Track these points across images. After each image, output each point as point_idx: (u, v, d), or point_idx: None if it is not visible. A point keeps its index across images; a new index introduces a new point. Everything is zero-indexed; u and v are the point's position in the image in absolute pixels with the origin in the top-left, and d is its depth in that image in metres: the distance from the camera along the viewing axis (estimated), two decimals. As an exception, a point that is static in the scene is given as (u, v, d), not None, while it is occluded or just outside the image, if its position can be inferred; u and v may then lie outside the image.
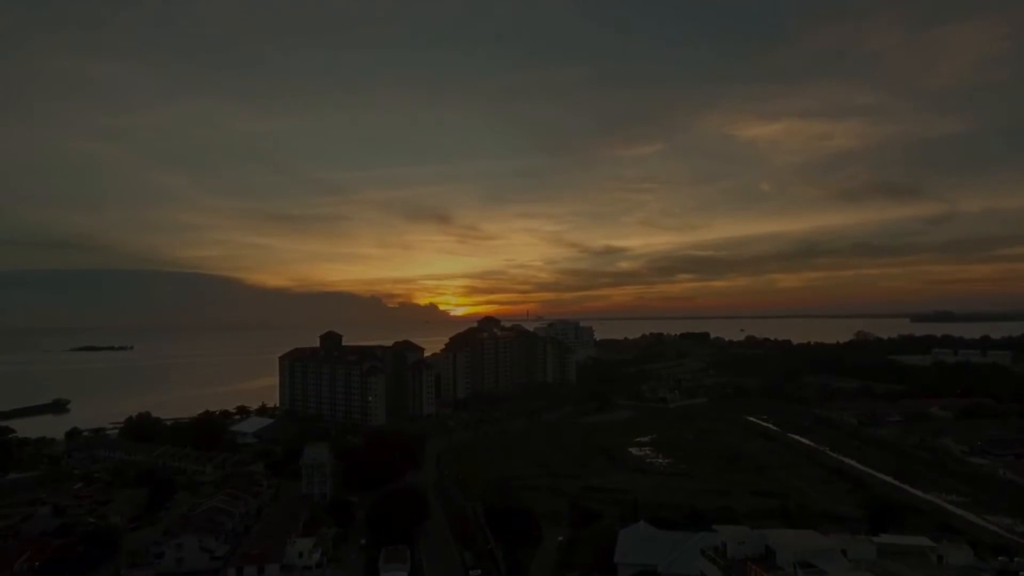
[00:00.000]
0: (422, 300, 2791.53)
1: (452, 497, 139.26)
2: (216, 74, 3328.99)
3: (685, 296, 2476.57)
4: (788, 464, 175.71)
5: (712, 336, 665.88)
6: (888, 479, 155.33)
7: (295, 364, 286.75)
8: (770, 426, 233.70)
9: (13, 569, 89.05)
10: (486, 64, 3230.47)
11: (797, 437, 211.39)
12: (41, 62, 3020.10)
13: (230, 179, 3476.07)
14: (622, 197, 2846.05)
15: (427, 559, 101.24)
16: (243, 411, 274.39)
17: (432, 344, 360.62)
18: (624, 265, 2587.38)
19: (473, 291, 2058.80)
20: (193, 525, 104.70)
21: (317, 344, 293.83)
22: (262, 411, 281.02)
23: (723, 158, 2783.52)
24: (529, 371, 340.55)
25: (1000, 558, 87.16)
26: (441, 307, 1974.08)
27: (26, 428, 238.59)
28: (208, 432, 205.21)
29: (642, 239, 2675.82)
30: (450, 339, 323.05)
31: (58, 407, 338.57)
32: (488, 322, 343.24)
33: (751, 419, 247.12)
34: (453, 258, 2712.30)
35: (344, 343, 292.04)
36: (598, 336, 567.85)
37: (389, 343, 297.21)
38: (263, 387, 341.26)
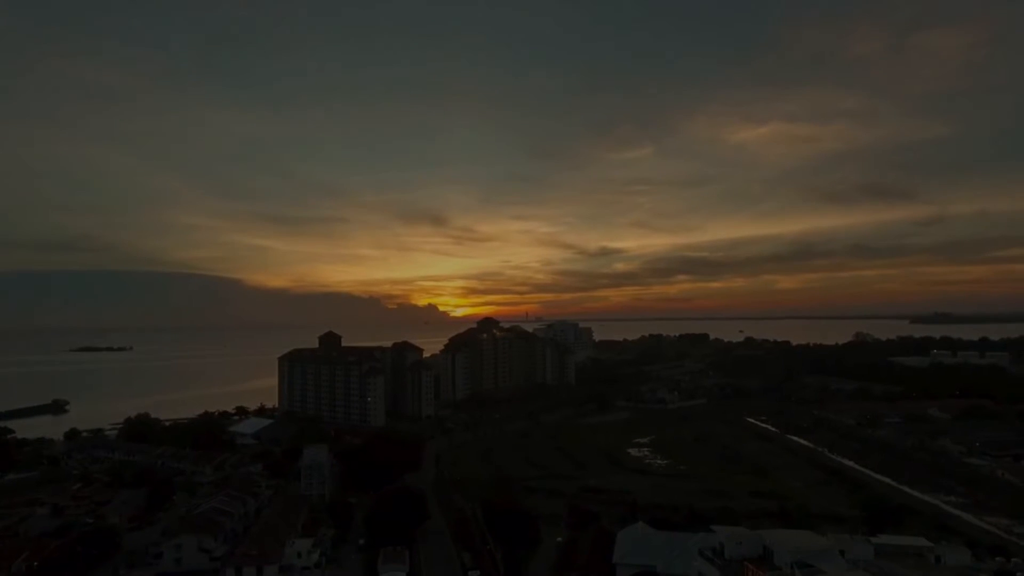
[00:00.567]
0: (420, 301, 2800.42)
1: (451, 498, 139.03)
2: (218, 80, 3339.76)
3: (682, 297, 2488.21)
4: (787, 465, 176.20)
5: (711, 337, 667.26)
6: (886, 480, 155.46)
7: (294, 365, 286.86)
8: (769, 427, 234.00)
9: (11, 569, 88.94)
10: (481, 69, 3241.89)
11: (796, 438, 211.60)
12: (46, 68, 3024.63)
13: (231, 182, 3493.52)
14: (615, 199, 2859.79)
15: (426, 560, 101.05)
16: (242, 412, 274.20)
17: (431, 345, 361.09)
18: (620, 266, 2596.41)
19: (471, 292, 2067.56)
20: (192, 526, 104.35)
21: (316, 345, 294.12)
22: (261, 412, 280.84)
23: (713, 161, 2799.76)
24: (528, 372, 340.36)
25: (997, 559, 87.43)
26: (440, 308, 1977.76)
27: (25, 428, 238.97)
28: (207, 433, 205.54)
29: (637, 240, 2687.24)
30: (449, 340, 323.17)
31: (57, 408, 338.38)
32: (487, 323, 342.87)
33: (750, 420, 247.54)
34: (450, 259, 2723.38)
35: (343, 344, 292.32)
36: (597, 337, 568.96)
37: (388, 344, 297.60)
38: (262, 388, 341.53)
